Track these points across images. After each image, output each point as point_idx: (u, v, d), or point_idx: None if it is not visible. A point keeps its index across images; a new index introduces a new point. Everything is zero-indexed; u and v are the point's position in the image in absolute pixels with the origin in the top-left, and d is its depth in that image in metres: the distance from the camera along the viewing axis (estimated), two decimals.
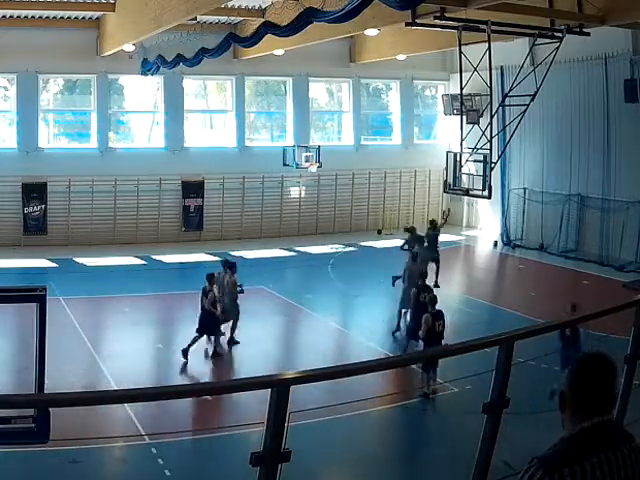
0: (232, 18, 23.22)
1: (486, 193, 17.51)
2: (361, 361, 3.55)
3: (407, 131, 30.36)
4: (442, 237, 28.18)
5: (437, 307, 12.94)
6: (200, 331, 14.21)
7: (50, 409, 7.11)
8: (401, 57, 26.05)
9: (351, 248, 25.94)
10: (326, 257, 24.27)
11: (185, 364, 13.82)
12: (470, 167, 18.77)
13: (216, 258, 24.00)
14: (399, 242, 26.94)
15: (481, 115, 23.05)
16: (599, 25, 16.14)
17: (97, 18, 24.05)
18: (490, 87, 16.87)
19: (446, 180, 19.83)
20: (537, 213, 26.10)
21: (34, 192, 24.34)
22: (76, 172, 24.42)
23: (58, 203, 24.68)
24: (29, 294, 7.90)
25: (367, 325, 17.49)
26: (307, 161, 26.41)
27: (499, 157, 19.16)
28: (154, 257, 23.50)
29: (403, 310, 15.93)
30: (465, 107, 21.35)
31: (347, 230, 28.73)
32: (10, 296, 8.39)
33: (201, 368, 14.13)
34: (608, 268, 22.43)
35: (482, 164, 17.91)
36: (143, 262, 23.05)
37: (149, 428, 10.64)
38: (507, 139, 19.91)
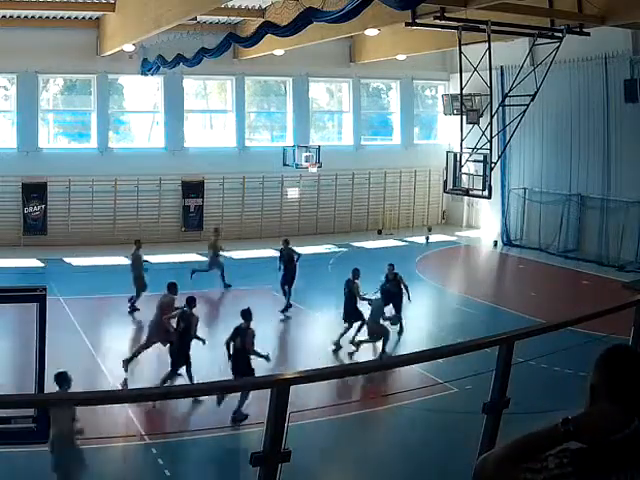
0: (232, 18, 23.23)
1: (486, 193, 17.52)
2: (361, 361, 3.55)
3: (407, 131, 30.37)
4: (442, 237, 28.36)
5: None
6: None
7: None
8: (401, 57, 26.05)
9: (351, 248, 25.93)
10: (326, 257, 24.27)
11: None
12: (470, 167, 18.78)
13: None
14: (399, 242, 27.03)
15: (481, 115, 23.07)
16: (599, 25, 16.15)
17: (97, 18, 24.05)
18: (490, 87, 16.88)
19: (446, 180, 19.85)
20: (537, 213, 26.11)
21: (34, 192, 24.34)
22: (76, 172, 24.41)
23: (58, 203, 24.68)
24: (29, 294, 7.91)
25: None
26: (307, 161, 26.41)
27: (499, 157, 19.17)
28: (154, 257, 23.45)
29: None
30: (465, 107, 21.36)
31: (347, 230, 28.72)
32: (10, 296, 8.40)
33: (200, 368, 14.11)
34: (608, 268, 22.43)
35: (482, 164, 17.92)
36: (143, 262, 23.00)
37: (149, 428, 10.64)
38: (507, 139, 19.92)
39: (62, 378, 9.00)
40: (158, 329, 13.05)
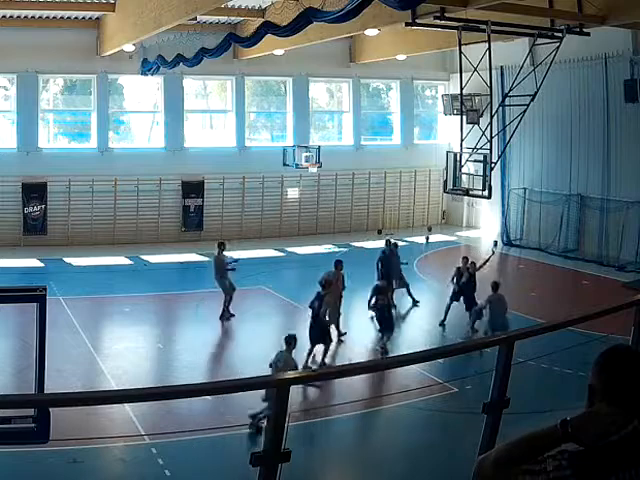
0: (232, 18, 23.22)
1: (486, 193, 17.52)
2: (361, 361, 3.55)
3: (407, 131, 30.37)
4: (441, 237, 28.36)
5: None
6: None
7: (50, 409, 7.11)
8: (401, 57, 26.05)
9: (351, 248, 25.92)
10: (326, 257, 24.23)
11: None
12: (470, 167, 18.77)
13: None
14: (399, 242, 26.92)
15: (481, 115, 23.06)
16: (599, 25, 16.13)
17: (97, 18, 24.05)
18: (490, 87, 16.87)
19: (446, 180, 19.84)
20: (537, 213, 26.10)
21: (34, 192, 24.34)
22: (76, 172, 24.41)
23: (58, 203, 24.68)
24: (29, 294, 7.89)
25: (366, 325, 17.46)
26: (307, 161, 26.40)
27: (499, 157, 19.15)
28: (154, 257, 23.49)
29: None
30: (465, 107, 21.33)
31: (347, 230, 28.72)
32: (10, 296, 8.38)
33: (201, 368, 14.11)
34: (608, 268, 22.43)
35: (482, 164, 17.92)
36: (143, 262, 23.04)
37: (149, 428, 10.63)
38: (507, 139, 19.90)
39: (291, 338, 10.88)
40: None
